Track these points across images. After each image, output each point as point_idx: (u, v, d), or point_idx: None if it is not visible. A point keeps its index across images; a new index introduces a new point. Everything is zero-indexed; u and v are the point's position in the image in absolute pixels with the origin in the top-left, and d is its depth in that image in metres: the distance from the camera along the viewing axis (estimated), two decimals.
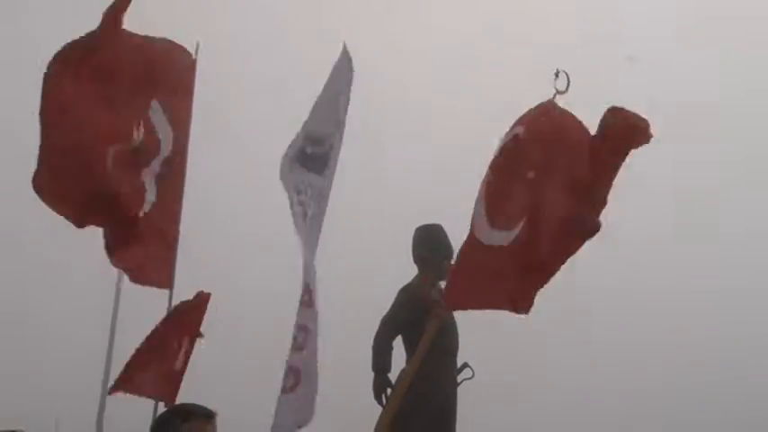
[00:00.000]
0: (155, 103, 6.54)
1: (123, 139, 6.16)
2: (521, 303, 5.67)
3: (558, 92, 5.87)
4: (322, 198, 7.66)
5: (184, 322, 6.75)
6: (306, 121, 7.82)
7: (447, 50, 17.82)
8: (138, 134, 6.25)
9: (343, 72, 7.64)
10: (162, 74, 6.54)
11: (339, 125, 7.66)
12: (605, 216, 5.44)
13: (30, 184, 5.95)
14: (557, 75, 5.86)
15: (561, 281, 5.62)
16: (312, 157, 7.61)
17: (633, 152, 5.37)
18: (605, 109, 5.44)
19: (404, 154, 16.21)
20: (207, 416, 3.75)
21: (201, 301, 6.71)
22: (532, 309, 5.63)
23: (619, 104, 5.44)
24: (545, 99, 5.95)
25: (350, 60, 7.64)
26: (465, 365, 7.61)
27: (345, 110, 7.69)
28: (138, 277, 6.90)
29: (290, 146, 7.78)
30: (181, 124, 6.74)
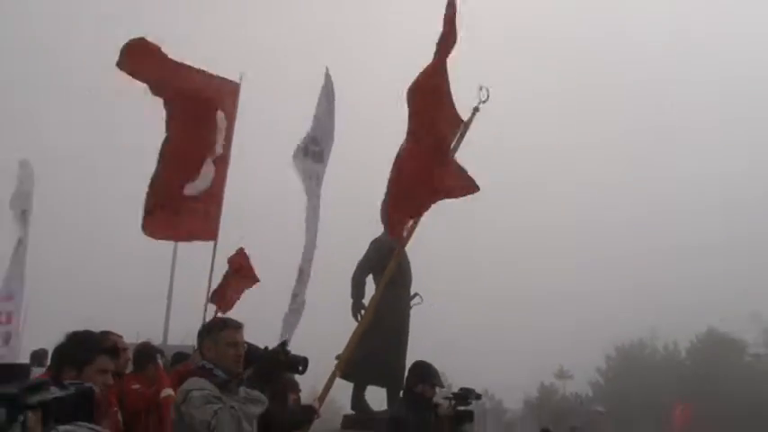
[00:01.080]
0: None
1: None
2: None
3: (481, 101, 5.96)
4: (319, 179, 8.01)
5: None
6: (311, 128, 8.05)
7: None
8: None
9: (328, 91, 7.97)
10: (218, 96, 7.07)
11: (330, 131, 8.09)
12: None
13: None
14: (480, 89, 5.94)
15: None
16: (313, 152, 7.90)
17: None
18: None
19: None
20: (237, 326, 4.05)
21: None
22: None
23: None
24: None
25: (331, 82, 7.98)
26: (416, 294, 8.07)
27: (333, 119, 8.11)
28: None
29: (299, 143, 8.00)
30: (229, 131, 7.22)
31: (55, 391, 1.98)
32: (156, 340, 11.67)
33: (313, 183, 7.77)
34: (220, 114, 7.03)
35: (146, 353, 5.42)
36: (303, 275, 7.65)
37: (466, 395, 5.65)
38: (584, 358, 51.10)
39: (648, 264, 59.50)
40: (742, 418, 35.89)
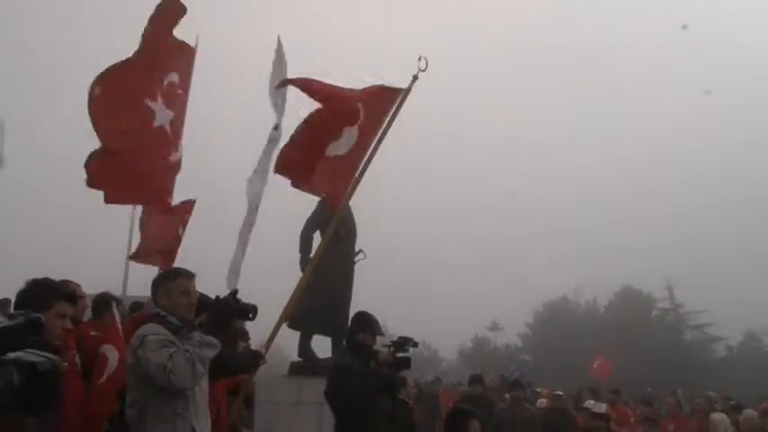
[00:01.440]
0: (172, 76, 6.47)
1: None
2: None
3: (420, 70, 6.03)
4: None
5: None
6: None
7: None
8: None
9: (280, 59, 7.59)
10: (173, 60, 6.50)
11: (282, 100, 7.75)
12: None
13: None
14: (419, 59, 5.99)
15: None
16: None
17: None
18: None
19: None
20: (189, 275, 4.08)
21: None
22: None
23: None
24: None
25: (283, 51, 7.59)
26: (360, 251, 8.09)
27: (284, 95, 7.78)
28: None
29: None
30: (185, 88, 6.75)
31: (3, 321, 1.98)
32: (116, 291, 11.51)
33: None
34: (174, 76, 6.63)
35: (103, 302, 5.40)
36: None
37: (404, 343, 5.74)
38: (514, 313, 52.64)
39: (573, 227, 61.70)
40: (649, 363, 37.53)
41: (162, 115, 6.09)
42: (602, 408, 9.05)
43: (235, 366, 4.75)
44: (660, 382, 23.25)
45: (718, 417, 8.96)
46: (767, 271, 45.79)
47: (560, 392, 11.45)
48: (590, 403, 9.82)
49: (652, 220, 58.78)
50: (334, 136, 5.92)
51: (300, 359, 8.01)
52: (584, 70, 68.31)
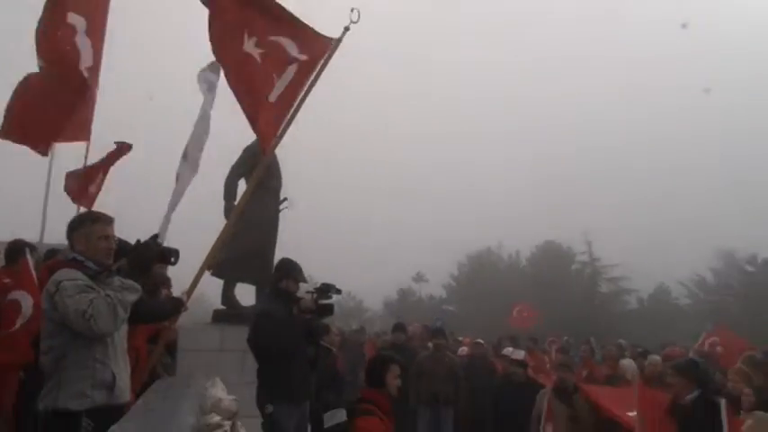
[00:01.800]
0: (77, 20, 6.39)
1: None
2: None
3: (352, 22, 6.10)
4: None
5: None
6: None
7: None
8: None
9: None
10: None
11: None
12: None
13: None
14: (352, 10, 6.05)
15: None
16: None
17: None
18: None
19: None
20: (109, 220, 3.99)
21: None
22: None
23: None
24: None
25: None
26: (285, 199, 8.07)
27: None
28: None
29: None
30: (99, 35, 6.65)
31: None
32: (33, 239, 11.12)
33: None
34: (79, 19, 6.44)
35: (17, 248, 5.28)
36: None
37: (327, 289, 5.81)
38: (439, 264, 53.87)
39: (498, 182, 63.37)
40: (568, 313, 39.21)
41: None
42: (520, 355, 9.46)
43: (155, 313, 4.71)
44: (577, 332, 24.31)
45: (627, 362, 9.46)
46: (681, 225, 48.37)
47: (481, 340, 11.87)
48: (509, 350, 10.23)
49: (576, 178, 61.05)
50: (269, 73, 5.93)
51: (224, 307, 8.01)
52: None
